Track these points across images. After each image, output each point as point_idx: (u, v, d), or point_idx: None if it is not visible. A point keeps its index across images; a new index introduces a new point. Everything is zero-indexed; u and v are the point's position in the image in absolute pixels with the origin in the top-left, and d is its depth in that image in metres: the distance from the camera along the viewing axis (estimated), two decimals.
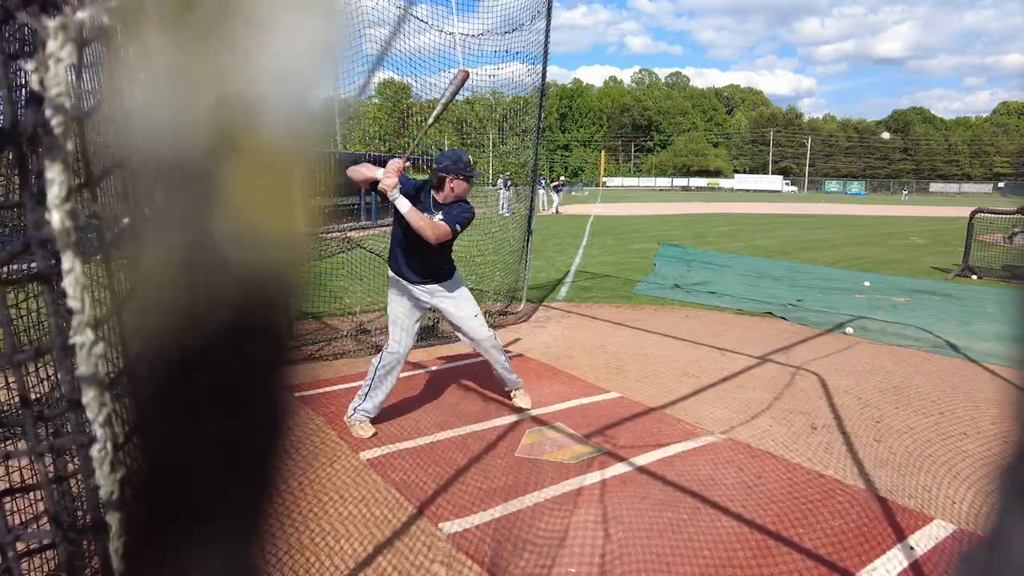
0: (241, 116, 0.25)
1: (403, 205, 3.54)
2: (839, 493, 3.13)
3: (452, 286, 3.96)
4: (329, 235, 6.16)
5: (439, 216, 3.74)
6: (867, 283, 9.31)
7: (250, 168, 0.26)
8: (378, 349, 5.66)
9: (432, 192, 3.83)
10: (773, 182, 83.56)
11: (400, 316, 3.86)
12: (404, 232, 3.73)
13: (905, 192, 71.91)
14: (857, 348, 5.84)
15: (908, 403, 4.42)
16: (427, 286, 3.88)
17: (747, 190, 78.32)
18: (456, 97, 3.70)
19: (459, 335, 4.17)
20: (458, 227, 3.71)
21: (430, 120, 3.66)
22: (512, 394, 4.32)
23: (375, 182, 3.53)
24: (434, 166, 3.84)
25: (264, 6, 0.26)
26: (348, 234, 6.38)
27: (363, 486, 3.21)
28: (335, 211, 13.50)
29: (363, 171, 3.57)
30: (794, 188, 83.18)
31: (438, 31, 6.15)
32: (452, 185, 3.76)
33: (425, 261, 3.82)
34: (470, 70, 3.95)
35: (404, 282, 3.85)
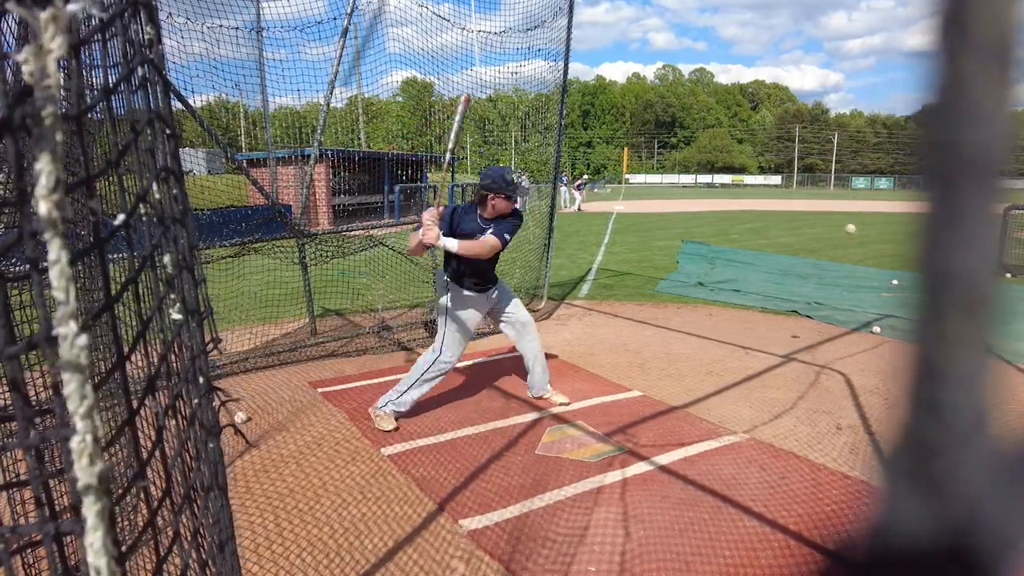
0: None
1: (451, 245, 3.77)
2: (864, 495, 3.08)
3: (503, 286, 4.22)
4: (352, 233, 6.20)
5: (490, 230, 3.89)
6: (895, 281, 9.12)
7: None
8: (401, 346, 5.71)
9: (477, 207, 3.98)
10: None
11: (467, 327, 4.01)
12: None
13: None
14: (884, 347, 5.73)
15: None
16: (487, 292, 4.06)
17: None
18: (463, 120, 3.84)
19: (508, 330, 4.31)
20: (507, 236, 3.89)
21: (450, 145, 3.80)
22: (544, 395, 4.39)
23: (424, 245, 3.78)
24: (478, 182, 4.01)
25: None
26: (371, 231, 6.42)
27: (384, 482, 3.23)
28: (358, 209, 13.59)
29: (415, 244, 3.81)
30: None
31: (460, 29, 6.16)
32: (494, 203, 3.91)
33: (484, 272, 4.01)
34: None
35: (471, 293, 3.99)
